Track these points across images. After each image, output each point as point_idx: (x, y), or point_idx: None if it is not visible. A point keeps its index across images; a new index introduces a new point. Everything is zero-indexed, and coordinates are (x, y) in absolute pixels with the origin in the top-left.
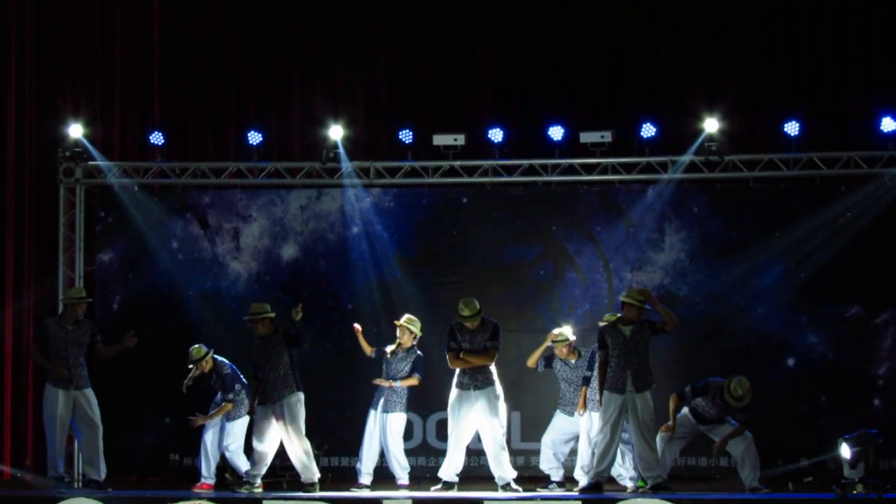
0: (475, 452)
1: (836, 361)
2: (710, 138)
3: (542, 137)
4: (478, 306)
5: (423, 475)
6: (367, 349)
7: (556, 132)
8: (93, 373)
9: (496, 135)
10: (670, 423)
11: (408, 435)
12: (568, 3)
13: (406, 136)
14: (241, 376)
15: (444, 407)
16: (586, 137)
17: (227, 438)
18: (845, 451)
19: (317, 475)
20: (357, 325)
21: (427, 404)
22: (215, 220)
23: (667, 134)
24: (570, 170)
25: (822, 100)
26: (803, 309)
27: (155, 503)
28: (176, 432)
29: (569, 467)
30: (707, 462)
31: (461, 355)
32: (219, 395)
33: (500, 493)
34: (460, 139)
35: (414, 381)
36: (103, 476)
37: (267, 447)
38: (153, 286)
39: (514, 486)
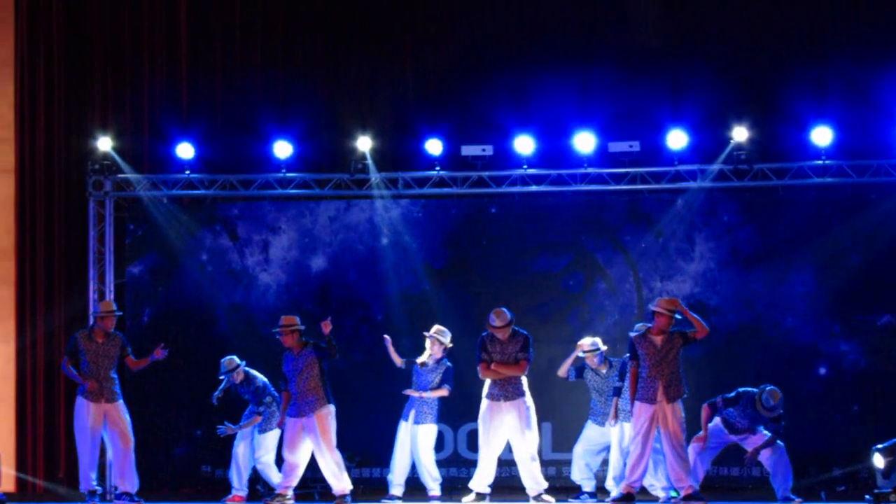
0: (507, 463)
1: (867, 370)
2: (740, 146)
3: (571, 147)
4: (508, 317)
5: (455, 486)
6: (398, 360)
7: (584, 142)
8: (124, 385)
9: (524, 145)
10: (702, 433)
11: (439, 446)
12: (596, 12)
13: (434, 146)
14: (272, 388)
15: (474, 417)
16: (615, 147)
17: (258, 450)
18: (878, 460)
19: (348, 487)
20: (387, 337)
21: (458, 415)
22: (244, 232)
23: (695, 142)
24: (599, 179)
25: (852, 107)
26: (835, 317)
27: None
28: (207, 444)
29: (600, 478)
30: (739, 472)
31: (492, 366)
32: (250, 407)
33: None
34: (488, 149)
35: (444, 392)
36: (135, 488)
37: (298, 459)
38: (183, 298)
39: (545, 496)
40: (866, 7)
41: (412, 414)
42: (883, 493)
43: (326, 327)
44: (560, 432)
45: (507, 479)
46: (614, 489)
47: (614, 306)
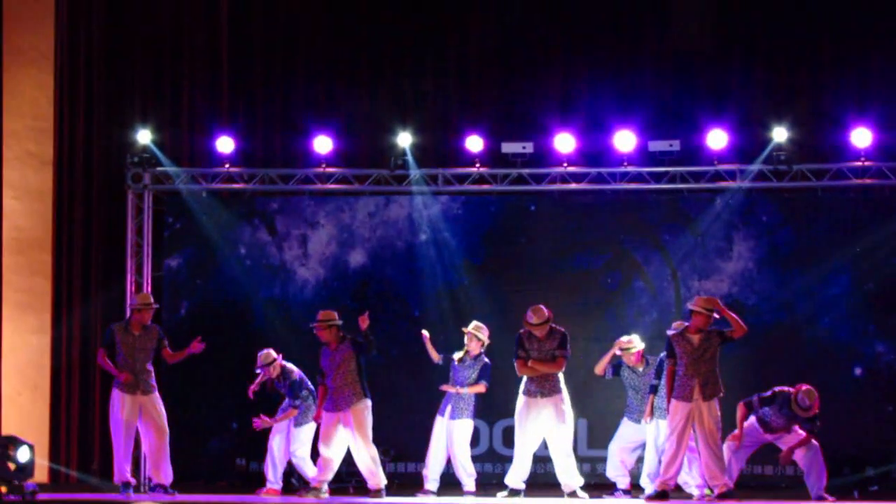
0: (542, 459)
1: None
2: (779, 147)
3: (611, 145)
4: (546, 314)
5: (490, 482)
6: (435, 356)
7: (624, 140)
8: (160, 378)
9: (564, 143)
10: (737, 431)
11: (474, 442)
12: (638, 11)
13: (474, 143)
14: (309, 382)
15: (510, 414)
16: (655, 146)
17: (294, 444)
18: None
19: (383, 481)
20: (425, 332)
21: (494, 411)
22: (283, 227)
23: (735, 142)
24: (639, 178)
25: (891, 109)
26: (871, 318)
27: None
28: (243, 437)
29: (635, 475)
30: (773, 471)
31: (529, 363)
32: (286, 401)
33: (567, 501)
34: (528, 147)
35: (481, 388)
36: (170, 480)
37: (334, 453)
38: (221, 292)
39: (580, 493)
40: None
41: (448, 409)
42: None
43: (364, 322)
44: (596, 429)
45: (542, 476)
46: (649, 486)
47: (652, 305)
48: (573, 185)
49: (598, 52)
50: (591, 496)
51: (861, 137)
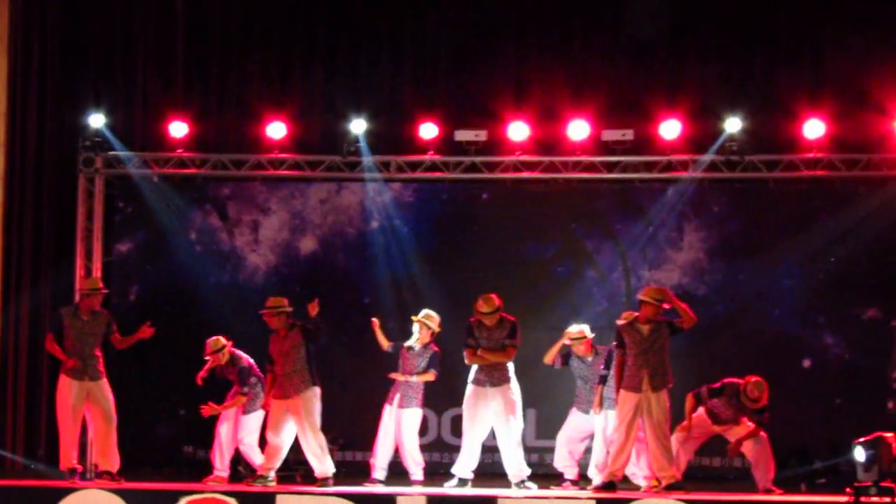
0: (490, 449)
1: (852, 363)
2: (732, 138)
3: (564, 134)
4: (496, 303)
5: (438, 471)
6: (385, 344)
7: (577, 129)
8: (108, 364)
9: (518, 131)
10: (686, 423)
11: (423, 431)
12: (592, 1)
13: (428, 130)
14: (258, 370)
15: (459, 403)
16: (608, 135)
17: (241, 431)
18: (859, 454)
19: (331, 470)
20: (375, 320)
21: (443, 400)
22: (234, 213)
23: (688, 133)
24: (591, 167)
25: (843, 101)
26: (821, 310)
27: (168, 495)
28: (190, 424)
29: (583, 465)
30: (721, 462)
31: (478, 352)
32: (234, 388)
33: (514, 491)
34: (482, 135)
35: (430, 376)
36: (116, 467)
37: (281, 441)
38: (171, 277)
39: (528, 483)
40: (860, 1)
41: (397, 398)
42: (863, 487)
43: (313, 309)
44: (544, 419)
45: (490, 465)
46: (597, 477)
47: (602, 294)
48: (526, 174)
49: (552, 40)
50: (539, 486)
51: (813, 129)
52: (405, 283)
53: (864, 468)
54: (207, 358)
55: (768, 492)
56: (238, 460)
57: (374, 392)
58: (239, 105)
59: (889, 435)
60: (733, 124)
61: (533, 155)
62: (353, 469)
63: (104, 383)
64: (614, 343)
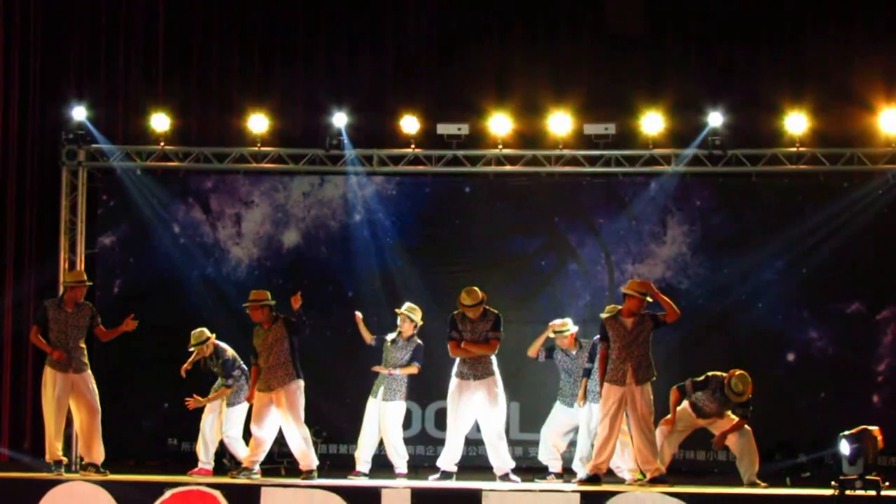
0: (474, 442)
1: (836, 357)
2: (715, 132)
3: (546, 128)
4: (480, 295)
5: (422, 464)
6: (368, 337)
7: (560, 123)
8: (92, 356)
9: (500, 125)
10: (670, 416)
11: (407, 424)
12: None
13: (410, 124)
14: (241, 362)
15: (443, 396)
16: (590, 129)
17: (226, 424)
18: (844, 447)
19: (315, 462)
20: (358, 313)
21: (426, 393)
22: (217, 206)
23: (671, 127)
24: (574, 161)
25: (827, 95)
26: (804, 304)
27: (152, 488)
28: (175, 417)
29: (567, 459)
30: (706, 456)
31: (462, 345)
32: (219, 381)
33: (499, 484)
34: (464, 129)
35: (413, 369)
36: (101, 460)
37: (266, 434)
38: (154, 270)
39: (512, 476)
40: None
41: (381, 391)
42: (848, 480)
43: (296, 302)
44: (528, 412)
45: (474, 458)
46: (581, 470)
47: (586, 288)
48: (508, 168)
49: (534, 34)
50: (523, 479)
51: (796, 123)
52: (388, 276)
53: (849, 461)
54: (191, 350)
55: (753, 485)
56: (223, 453)
57: (358, 385)
58: (221, 98)
59: (874, 428)
60: (716, 118)
61: (515, 149)
62: (337, 462)
63: (89, 375)
64: (598, 336)
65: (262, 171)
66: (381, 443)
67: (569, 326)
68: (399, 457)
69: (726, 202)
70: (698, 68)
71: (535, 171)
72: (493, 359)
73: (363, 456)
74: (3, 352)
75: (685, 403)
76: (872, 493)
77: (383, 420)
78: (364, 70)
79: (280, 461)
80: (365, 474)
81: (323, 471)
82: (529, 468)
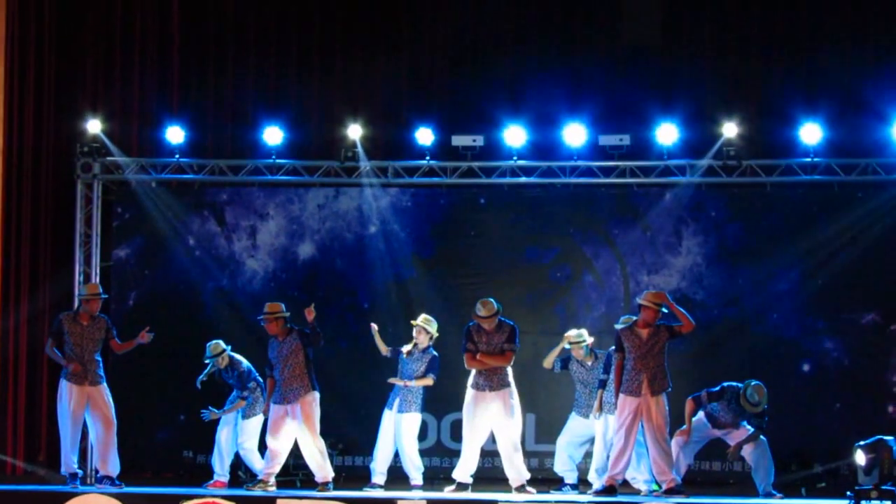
0: (489, 454)
1: (851, 368)
2: (729, 143)
3: (561, 140)
4: (495, 307)
5: (437, 476)
6: (383, 349)
7: (574, 135)
8: (108, 369)
9: (515, 136)
10: (685, 427)
11: (422, 435)
12: (590, 6)
13: (425, 136)
14: (257, 374)
15: (458, 408)
16: (605, 140)
17: (241, 436)
18: (860, 457)
19: (331, 474)
20: (374, 325)
21: (442, 405)
22: (232, 218)
23: (685, 138)
24: (589, 172)
25: (841, 106)
26: (819, 315)
27: (168, 500)
28: (190, 429)
29: (583, 470)
30: (721, 467)
31: (477, 356)
32: (234, 393)
33: (514, 495)
34: (479, 140)
35: (429, 381)
36: (117, 472)
37: (281, 446)
38: (169, 283)
39: (528, 487)
40: (857, 6)
41: (396, 402)
42: (864, 490)
43: (310, 315)
44: (544, 424)
45: (490, 470)
46: (597, 481)
47: (601, 299)
48: (523, 179)
49: (548, 45)
50: (539, 491)
51: (810, 134)
52: (403, 287)
53: (864, 471)
54: (207, 362)
55: (769, 496)
56: (238, 465)
57: (374, 397)
58: (236, 111)
59: (889, 438)
60: (730, 129)
61: (530, 160)
62: (352, 474)
63: (104, 388)
64: (613, 347)
65: (278, 183)
66: (396, 454)
67: (584, 337)
68: (415, 468)
69: (741, 213)
70: (713, 79)
71: (550, 183)
72: (509, 370)
73: (379, 468)
74: (19, 365)
75: (700, 414)
76: (888, 503)
77: (399, 432)
78: (379, 82)
79: (296, 473)
80: (380, 486)
81: (338, 483)
82: (545, 479)
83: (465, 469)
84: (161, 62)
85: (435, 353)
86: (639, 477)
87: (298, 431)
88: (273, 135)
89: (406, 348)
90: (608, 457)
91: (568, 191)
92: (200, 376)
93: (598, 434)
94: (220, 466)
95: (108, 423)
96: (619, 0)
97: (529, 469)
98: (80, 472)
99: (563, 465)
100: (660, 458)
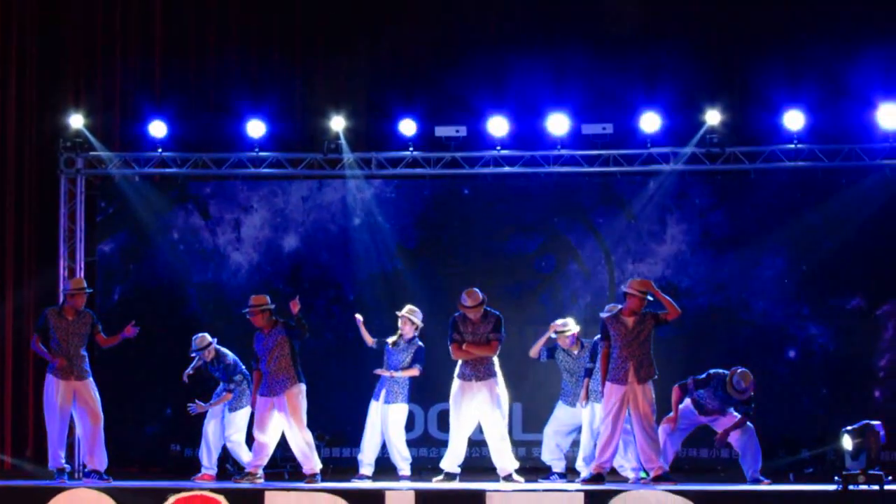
0: (477, 443)
1: (837, 353)
2: (712, 130)
3: (544, 129)
4: (480, 297)
5: (425, 466)
6: (369, 340)
7: (557, 124)
8: (94, 363)
9: (498, 126)
10: (672, 414)
11: (409, 426)
12: None
13: (408, 127)
14: (243, 366)
15: (445, 398)
16: (588, 129)
17: (228, 429)
18: (847, 442)
19: (318, 466)
20: (359, 316)
21: (429, 395)
22: (216, 211)
23: (668, 125)
24: (572, 161)
25: (824, 91)
26: (805, 301)
27: (156, 494)
28: (177, 423)
29: (570, 458)
30: (709, 454)
31: (463, 346)
32: (221, 386)
33: (502, 485)
34: (462, 130)
35: (415, 371)
36: (104, 466)
37: (268, 438)
38: (154, 277)
39: (515, 477)
40: None
41: (383, 393)
42: (851, 475)
43: (294, 307)
44: (531, 413)
45: (478, 460)
46: (584, 470)
47: (586, 288)
48: (507, 169)
49: (530, 35)
50: (527, 480)
51: (793, 120)
52: (388, 279)
53: (851, 456)
54: (193, 355)
55: (756, 482)
56: (226, 458)
57: (360, 388)
58: (218, 103)
59: (876, 423)
60: (713, 116)
61: (513, 150)
62: (340, 465)
63: (91, 383)
64: (599, 336)
65: (261, 176)
66: (383, 445)
67: (570, 326)
68: (402, 459)
69: (725, 200)
70: (695, 66)
71: (533, 172)
72: (495, 360)
73: (366, 459)
74: (5, 360)
75: (687, 401)
76: (875, 487)
77: (386, 423)
78: (361, 73)
79: (283, 465)
80: (368, 477)
81: (326, 474)
82: (533, 468)
83: (452, 459)
84: (143, 56)
85: (421, 343)
86: (626, 465)
87: (285, 424)
88: (256, 127)
89: (391, 339)
90: (595, 445)
91: (552, 180)
92: (187, 370)
93: (585, 423)
94: (208, 459)
95: (94, 417)
96: None
97: (517, 458)
98: (67, 466)
99: (551, 454)
100: (647, 446)
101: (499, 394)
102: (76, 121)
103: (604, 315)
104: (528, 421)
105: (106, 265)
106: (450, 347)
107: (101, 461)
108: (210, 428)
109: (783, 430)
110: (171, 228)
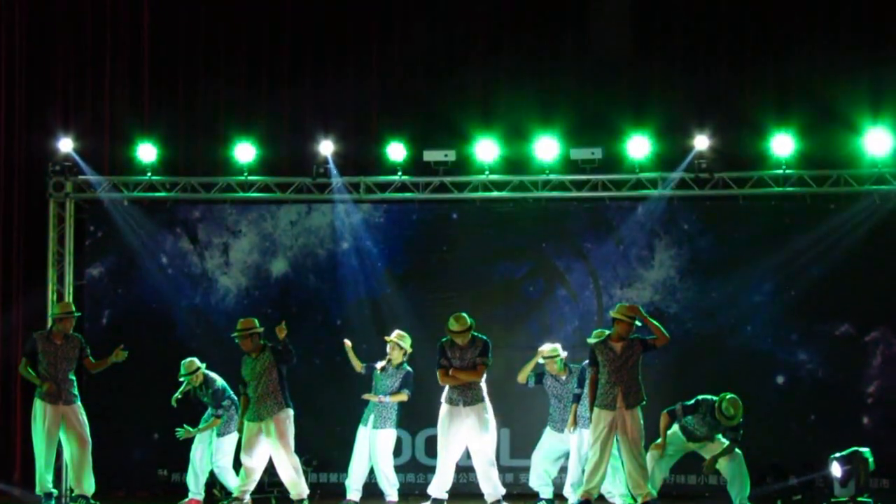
0: (464, 469)
1: (825, 379)
2: (701, 155)
3: (533, 154)
4: (468, 322)
5: (412, 492)
6: (357, 365)
7: (546, 149)
8: (81, 387)
9: (486, 151)
10: (660, 440)
11: (397, 451)
12: (560, 20)
13: (396, 151)
14: (231, 392)
15: (433, 423)
16: (577, 154)
17: (216, 454)
18: (836, 469)
19: (306, 491)
20: (347, 341)
21: (416, 420)
22: (205, 235)
23: (657, 151)
24: (560, 186)
25: (812, 117)
26: (793, 326)
27: None
28: (165, 447)
29: (558, 484)
30: (697, 480)
31: (451, 372)
32: (209, 411)
33: None
34: (450, 155)
35: (403, 396)
36: (92, 491)
37: (256, 463)
38: (142, 301)
39: (503, 502)
40: (828, 18)
41: (371, 419)
42: (839, 502)
43: (281, 332)
44: (518, 438)
45: (465, 485)
46: (572, 496)
47: (574, 313)
48: (495, 194)
49: (519, 60)
50: None
51: (782, 145)
52: (376, 303)
53: (840, 484)
54: (181, 380)
55: None
56: (213, 483)
57: (348, 413)
58: (207, 128)
59: (865, 450)
60: (702, 141)
61: (502, 174)
62: (327, 490)
63: (78, 407)
64: (587, 361)
65: (250, 200)
66: (371, 471)
67: (558, 352)
68: (390, 485)
69: (713, 225)
70: (683, 91)
71: (522, 197)
72: (483, 385)
73: (354, 484)
74: None
75: (676, 427)
76: None
77: (374, 448)
78: (350, 97)
79: (270, 490)
80: (355, 502)
81: (314, 499)
82: (521, 494)
83: (440, 485)
84: (132, 80)
85: (409, 368)
86: (614, 491)
87: (273, 449)
88: (245, 152)
89: (380, 364)
90: (583, 471)
91: (540, 205)
92: (175, 394)
93: (573, 448)
94: (195, 484)
95: (82, 441)
96: (589, 13)
97: (505, 484)
98: (54, 491)
99: (539, 480)
100: (635, 472)
101: (487, 419)
102: (65, 144)
103: (591, 341)
104: (516, 447)
105: (94, 289)
106: (437, 373)
107: (88, 486)
108: (198, 453)
109: (771, 456)
110: (160, 252)
